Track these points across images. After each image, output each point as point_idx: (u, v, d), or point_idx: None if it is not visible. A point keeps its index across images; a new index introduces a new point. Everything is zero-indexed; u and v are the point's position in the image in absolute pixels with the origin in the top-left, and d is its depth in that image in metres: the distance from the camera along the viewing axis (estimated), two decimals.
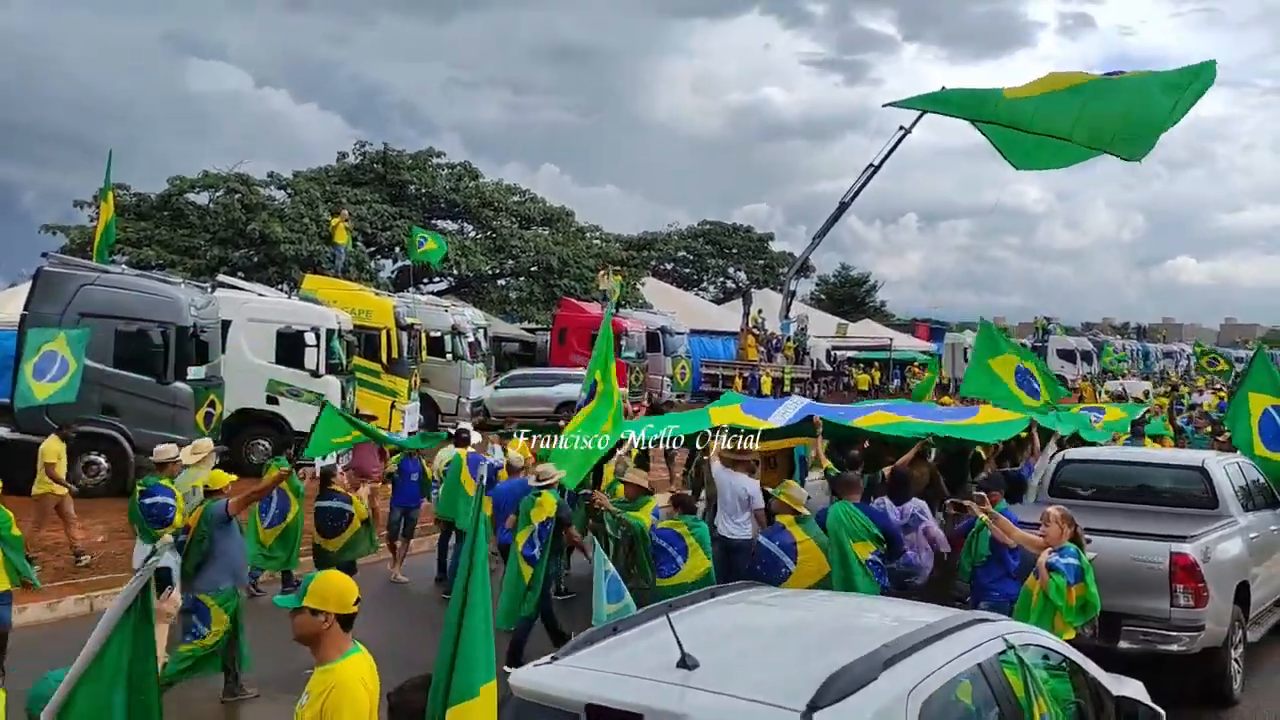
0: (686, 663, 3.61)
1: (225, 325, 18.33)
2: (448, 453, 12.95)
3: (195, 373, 16.66)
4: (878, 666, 3.63)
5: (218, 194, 34.29)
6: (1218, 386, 35.13)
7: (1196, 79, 8.31)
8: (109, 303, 16.06)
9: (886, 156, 37.43)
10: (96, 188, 18.67)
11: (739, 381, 34.12)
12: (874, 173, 37.97)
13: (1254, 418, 11.36)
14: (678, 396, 32.45)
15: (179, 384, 16.29)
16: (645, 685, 3.59)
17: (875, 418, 10.76)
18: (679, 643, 3.63)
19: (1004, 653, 4.26)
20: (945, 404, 16.80)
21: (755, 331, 38.60)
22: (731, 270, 61.69)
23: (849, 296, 67.83)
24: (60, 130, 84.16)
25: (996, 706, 4.10)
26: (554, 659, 3.97)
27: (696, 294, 56.67)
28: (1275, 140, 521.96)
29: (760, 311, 40.90)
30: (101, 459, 15.81)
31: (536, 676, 3.82)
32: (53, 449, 12.28)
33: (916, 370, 50.44)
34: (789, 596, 5.53)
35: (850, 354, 48.34)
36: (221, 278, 22.69)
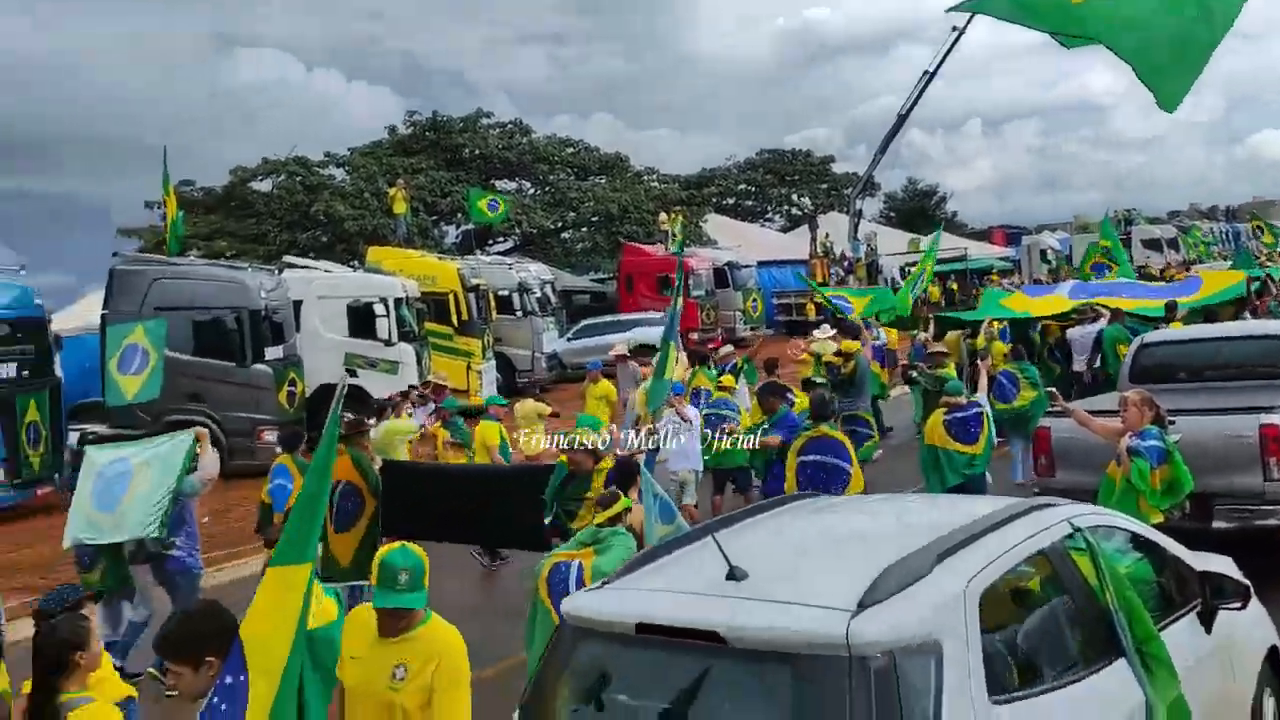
0: (735, 575, 3.56)
1: (297, 305, 18.70)
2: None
3: (273, 353, 17.05)
4: (930, 560, 3.53)
5: (279, 179, 34.84)
6: None
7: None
8: (181, 294, 16.52)
9: (941, 61, 36.13)
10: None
11: (811, 308, 33.68)
12: (930, 80, 36.74)
13: None
14: (751, 330, 32.19)
15: (258, 366, 16.70)
16: (693, 599, 3.55)
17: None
18: (725, 556, 3.58)
19: (1070, 536, 4.11)
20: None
21: (824, 255, 38.00)
22: (795, 197, 60.59)
23: (918, 210, 66.23)
24: (126, 138, 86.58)
25: (1065, 593, 3.98)
26: (604, 584, 3.96)
27: (761, 225, 55.92)
28: None
29: (828, 235, 40.21)
30: None
31: (585, 601, 3.81)
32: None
33: (995, 278, 49.22)
34: (841, 504, 5.44)
35: (936, 267, 47.18)
36: (288, 259, 23.09)
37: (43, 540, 13.19)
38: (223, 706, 3.20)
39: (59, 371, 15.74)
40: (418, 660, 3.84)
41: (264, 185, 35.50)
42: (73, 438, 16.10)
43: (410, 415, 13.02)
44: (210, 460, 7.88)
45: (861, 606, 3.26)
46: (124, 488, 7.43)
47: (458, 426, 11.65)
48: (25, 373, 14.82)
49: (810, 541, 4.32)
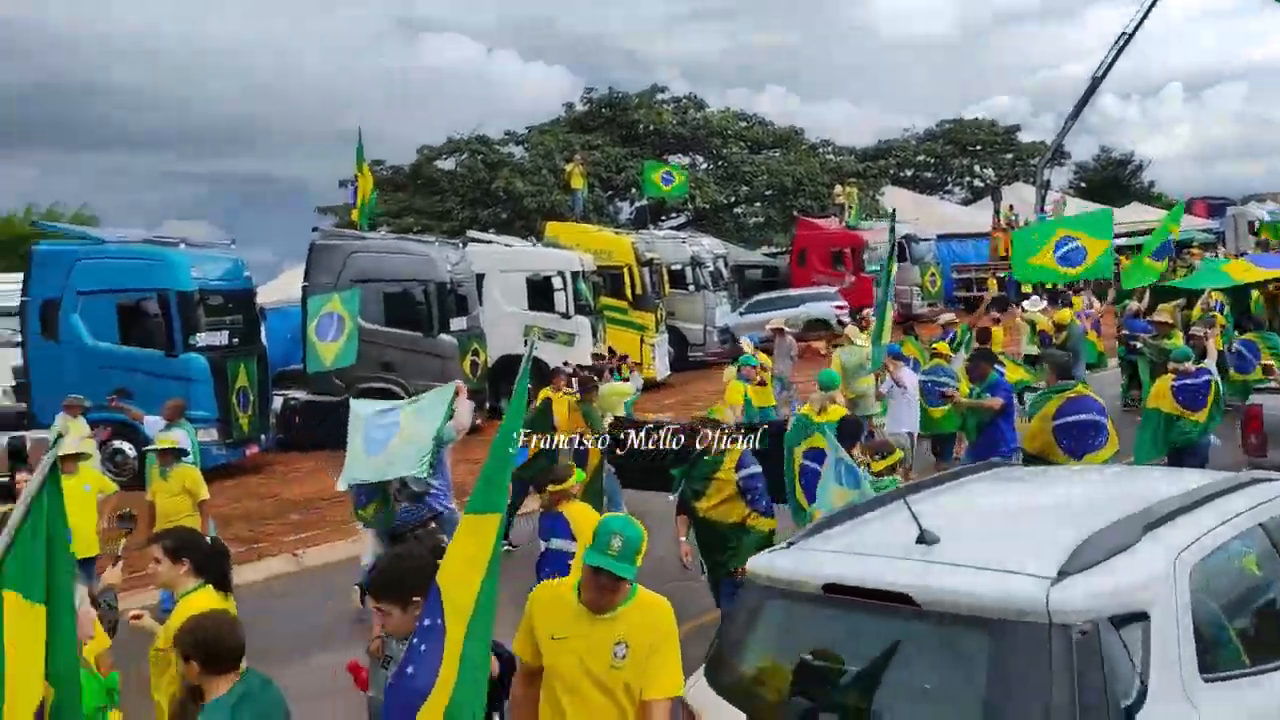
0: (925, 539, 3.50)
1: (480, 278, 19.35)
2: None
3: (457, 324, 17.72)
4: (1137, 531, 3.38)
5: (462, 158, 36.07)
6: None
7: None
8: (374, 267, 17.33)
9: (1140, 23, 34.14)
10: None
11: (994, 283, 32.42)
12: (1127, 42, 34.74)
13: None
14: (929, 305, 31.27)
15: (444, 336, 17.38)
16: (882, 562, 3.52)
17: None
18: (916, 519, 3.52)
19: None
20: None
21: (1007, 229, 36.41)
22: (977, 168, 58.31)
23: (1111, 180, 62.43)
24: (320, 121, 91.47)
25: None
26: (790, 544, 3.96)
27: (941, 198, 54.02)
28: None
29: (1011, 207, 38.51)
30: None
31: (773, 560, 3.83)
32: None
33: (1197, 251, 46.05)
34: (1036, 473, 5.25)
35: (1119, 241, 44.66)
36: (471, 234, 23.86)
37: (251, 496, 14.22)
38: (422, 647, 3.38)
39: (264, 340, 16.84)
40: (636, 635, 3.58)
41: (448, 164, 36.84)
42: (277, 402, 17.25)
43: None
44: (464, 411, 8.31)
45: (1062, 574, 3.15)
46: (392, 434, 7.93)
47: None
48: (236, 340, 15.92)
49: (1004, 509, 4.21)
